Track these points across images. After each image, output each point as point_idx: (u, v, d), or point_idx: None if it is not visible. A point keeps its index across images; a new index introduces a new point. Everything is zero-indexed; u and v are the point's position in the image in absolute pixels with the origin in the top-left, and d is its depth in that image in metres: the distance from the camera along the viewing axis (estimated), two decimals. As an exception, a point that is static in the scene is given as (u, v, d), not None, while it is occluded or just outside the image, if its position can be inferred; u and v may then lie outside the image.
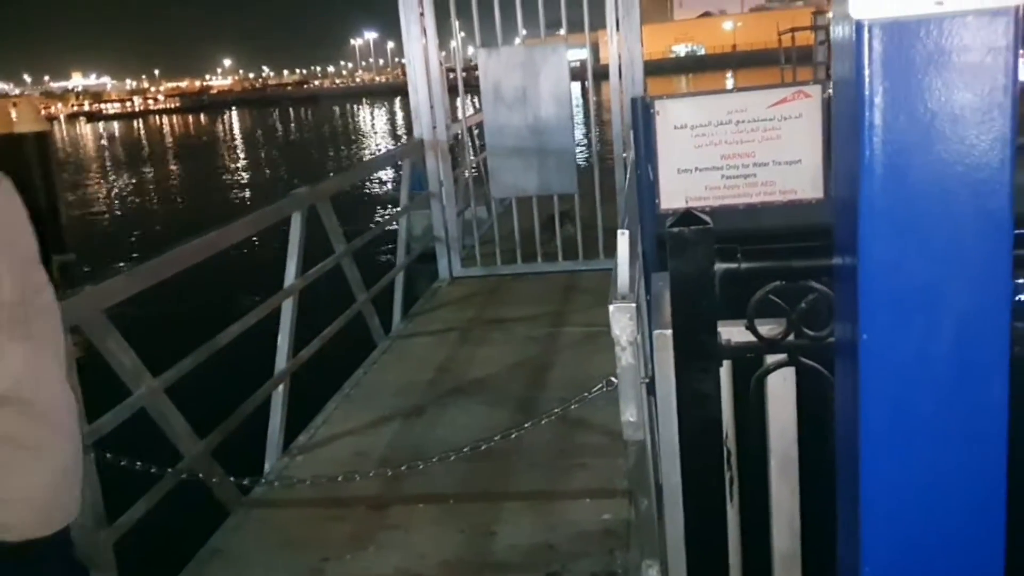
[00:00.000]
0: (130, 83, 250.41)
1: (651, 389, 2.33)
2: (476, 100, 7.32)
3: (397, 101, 71.75)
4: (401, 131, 41.23)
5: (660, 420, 2.23)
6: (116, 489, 3.08)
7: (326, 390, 4.93)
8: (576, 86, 7.26)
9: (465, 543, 3.26)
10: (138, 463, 2.83)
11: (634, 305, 2.16)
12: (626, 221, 2.56)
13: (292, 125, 59.37)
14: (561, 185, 6.61)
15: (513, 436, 2.94)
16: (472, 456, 3.79)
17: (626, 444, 2.31)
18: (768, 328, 1.78)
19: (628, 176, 3.97)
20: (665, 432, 2.21)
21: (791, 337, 1.75)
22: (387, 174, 21.14)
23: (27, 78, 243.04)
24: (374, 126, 51.10)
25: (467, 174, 7.58)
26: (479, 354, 5.37)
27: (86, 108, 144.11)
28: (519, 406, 4.44)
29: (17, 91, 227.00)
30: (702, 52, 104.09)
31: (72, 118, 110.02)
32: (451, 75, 7.34)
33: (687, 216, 1.72)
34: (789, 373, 1.86)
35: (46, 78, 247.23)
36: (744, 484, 2.04)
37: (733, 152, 2.19)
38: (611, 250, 2.54)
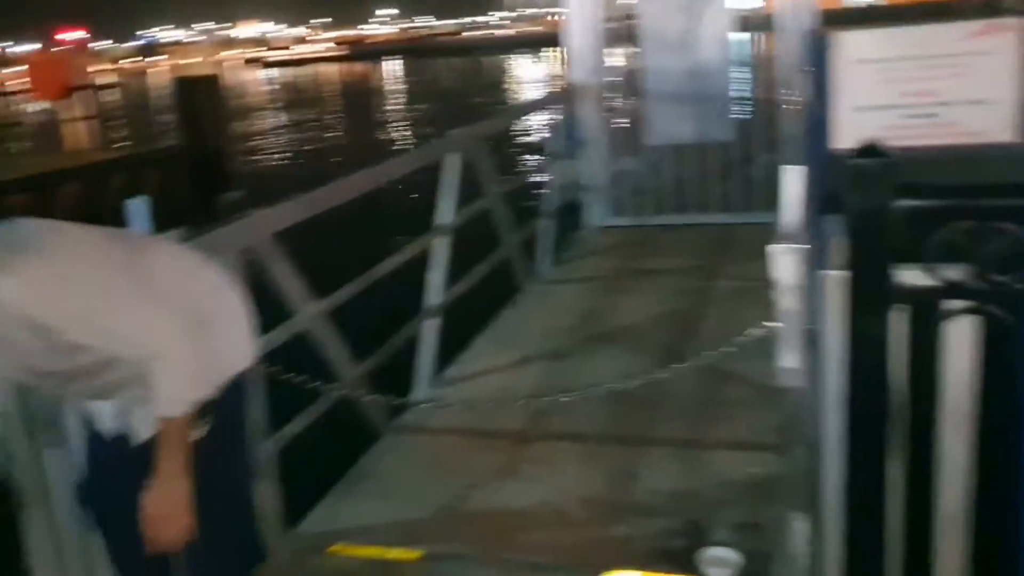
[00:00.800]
0: (295, 31, 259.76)
1: (811, 336, 2.24)
2: (631, 47, 7.18)
3: (550, 50, 71.41)
4: (555, 80, 41.07)
5: (823, 368, 2.14)
6: (278, 406, 3.26)
7: (472, 330, 5.03)
8: (741, 35, 6.98)
9: (607, 483, 3.28)
10: (300, 377, 2.96)
11: (799, 247, 2.07)
12: (794, 160, 2.45)
13: (447, 73, 60.21)
14: (718, 133, 6.42)
15: (666, 375, 2.91)
16: (616, 401, 3.81)
17: (781, 393, 2.24)
18: (949, 272, 1.67)
19: (795, 119, 3.81)
20: (827, 381, 2.12)
21: (975, 282, 1.64)
22: (540, 121, 21.16)
23: (195, 26, 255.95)
24: (527, 75, 51.11)
25: (621, 122, 7.47)
26: (625, 303, 5.33)
27: (252, 55, 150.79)
28: (665, 356, 4.38)
29: (187, 39, 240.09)
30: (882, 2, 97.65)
31: (240, 64, 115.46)
32: (607, 22, 7.21)
33: (869, 149, 1.62)
34: (971, 321, 1.74)
35: (215, 25, 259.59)
36: (912, 438, 1.94)
37: (915, 89, 2.04)
38: (771, 203, 2.45)
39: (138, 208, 2.59)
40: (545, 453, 3.55)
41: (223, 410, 2.04)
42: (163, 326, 1.88)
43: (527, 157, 16.88)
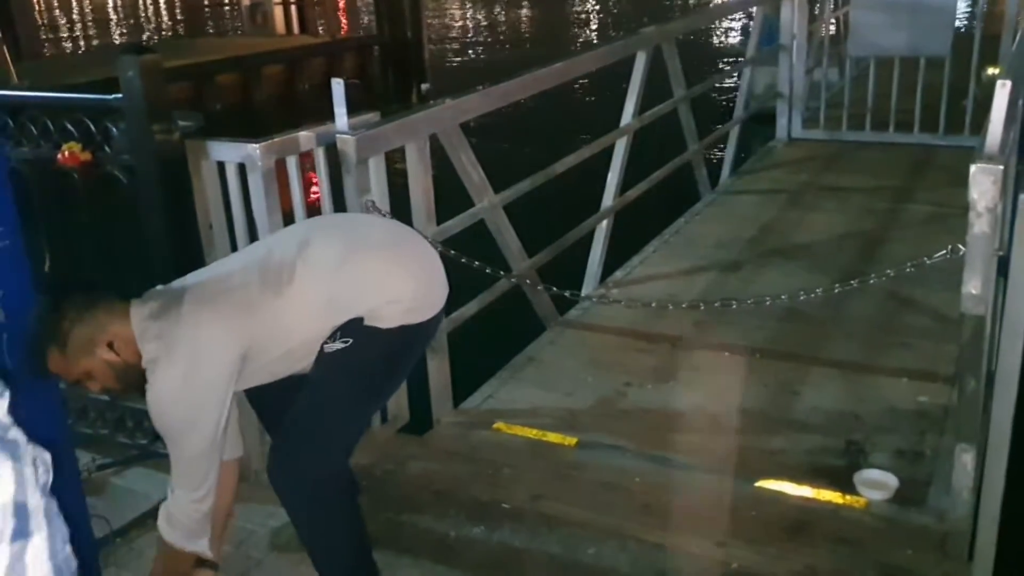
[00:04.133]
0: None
1: (1002, 265, 2.13)
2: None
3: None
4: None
5: (1009, 297, 2.04)
6: (452, 288, 3.42)
7: (646, 234, 5.03)
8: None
9: (766, 396, 3.27)
10: (476, 263, 3.10)
11: (1001, 167, 1.95)
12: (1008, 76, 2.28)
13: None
14: (932, 46, 5.94)
15: (836, 290, 2.84)
16: (786, 316, 3.75)
17: (963, 318, 2.15)
18: None
19: (1019, 35, 3.49)
20: (1012, 310, 2.03)
21: None
22: (737, 24, 20.22)
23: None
24: (727, -22, 48.43)
25: (824, 29, 7.05)
26: (808, 219, 5.15)
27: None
28: (844, 276, 4.22)
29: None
30: None
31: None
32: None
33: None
34: None
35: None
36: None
37: None
38: (978, 126, 2.29)
39: (338, 88, 2.74)
40: (705, 360, 3.57)
41: (380, 344, 2.09)
42: (208, 480, 2.05)
43: (718, 61, 16.23)
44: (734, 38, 19.45)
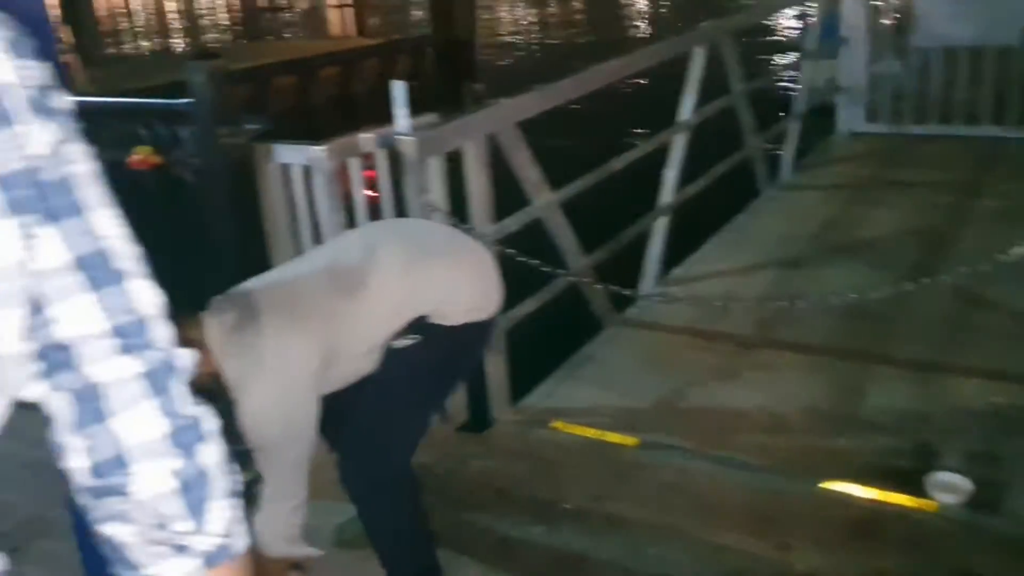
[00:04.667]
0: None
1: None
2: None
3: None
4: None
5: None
6: (509, 287, 3.42)
7: (705, 231, 4.98)
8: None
9: (831, 396, 3.21)
10: (534, 261, 3.10)
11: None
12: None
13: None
14: (1002, 35, 5.76)
15: (910, 288, 2.77)
16: (851, 314, 3.68)
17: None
18: None
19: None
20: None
21: None
22: (793, 17, 19.87)
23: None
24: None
25: (887, 20, 6.89)
26: (871, 215, 5.04)
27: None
28: (910, 273, 4.14)
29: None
30: None
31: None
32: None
33: None
34: None
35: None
36: None
37: None
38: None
39: (399, 90, 2.76)
40: (768, 360, 3.51)
41: (445, 341, 2.14)
42: (304, 487, 2.08)
43: (776, 56, 15.98)
44: (791, 32, 19.14)
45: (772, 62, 14.76)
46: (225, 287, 2.17)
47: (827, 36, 6.49)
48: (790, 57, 13.26)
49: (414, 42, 17.14)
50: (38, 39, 2.09)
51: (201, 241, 2.72)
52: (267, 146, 2.72)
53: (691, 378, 3.41)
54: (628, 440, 3.05)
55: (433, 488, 2.76)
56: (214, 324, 1.99)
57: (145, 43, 26.74)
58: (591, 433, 3.11)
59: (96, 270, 0.78)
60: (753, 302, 3.58)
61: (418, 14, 23.21)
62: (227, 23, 32.09)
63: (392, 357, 2.12)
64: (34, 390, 0.78)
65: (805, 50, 6.23)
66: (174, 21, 33.33)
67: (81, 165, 0.78)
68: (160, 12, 35.53)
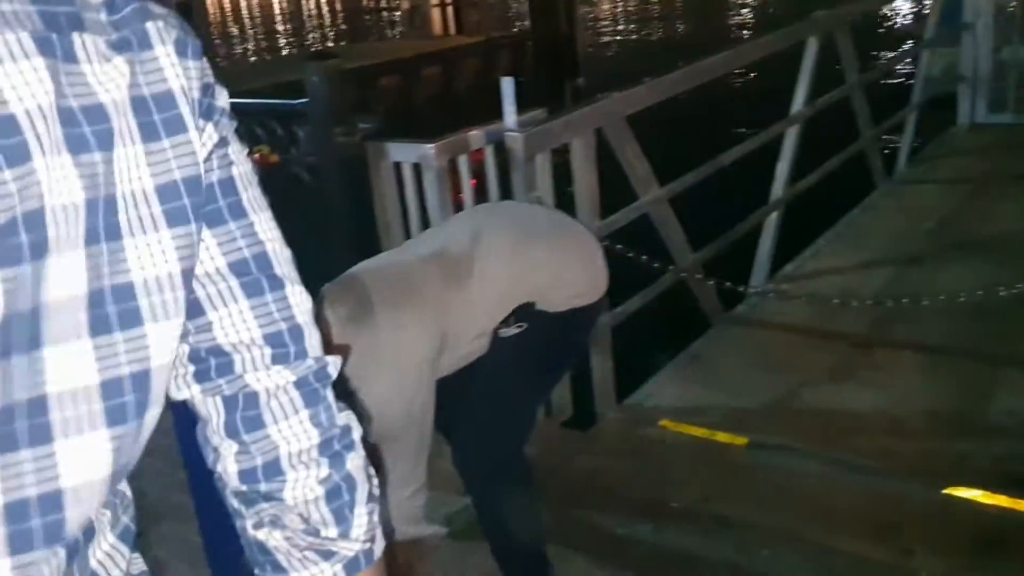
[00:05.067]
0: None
1: None
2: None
3: (927, -74, 63.13)
4: (928, -39, 36.45)
5: None
6: (616, 283, 3.39)
7: (817, 226, 4.83)
8: None
9: (954, 398, 3.07)
10: (642, 256, 3.07)
11: None
12: None
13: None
14: None
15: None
16: (975, 313, 3.50)
17: None
18: None
19: None
20: None
21: None
22: (907, 6, 19.13)
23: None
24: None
25: (1013, 5, 6.54)
26: (995, 210, 4.80)
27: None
28: (1039, 270, 3.94)
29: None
30: None
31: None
32: None
33: None
34: None
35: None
36: None
37: None
38: None
39: (507, 87, 2.78)
40: (886, 360, 3.39)
41: (551, 328, 2.14)
42: (424, 471, 2.10)
43: (891, 45, 15.39)
44: (904, 20, 18.41)
45: (886, 52, 14.23)
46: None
47: (947, 22, 6.21)
48: (906, 46, 12.76)
49: (515, 39, 17.22)
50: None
51: (317, 238, 2.79)
52: (379, 144, 2.78)
53: (803, 378, 3.32)
54: (737, 440, 2.98)
55: (539, 483, 2.77)
56: (330, 316, 2.02)
57: (254, 47, 27.65)
58: (699, 433, 3.06)
59: (257, 275, 0.77)
60: (870, 300, 3.45)
61: (518, 9, 23.27)
62: (330, 25, 32.87)
63: (500, 345, 2.13)
64: (186, 392, 0.79)
65: (924, 38, 5.97)
66: (282, 25, 34.34)
67: (241, 166, 0.77)
68: (269, 17, 36.67)
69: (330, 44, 25.69)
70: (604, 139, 3.16)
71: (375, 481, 0.87)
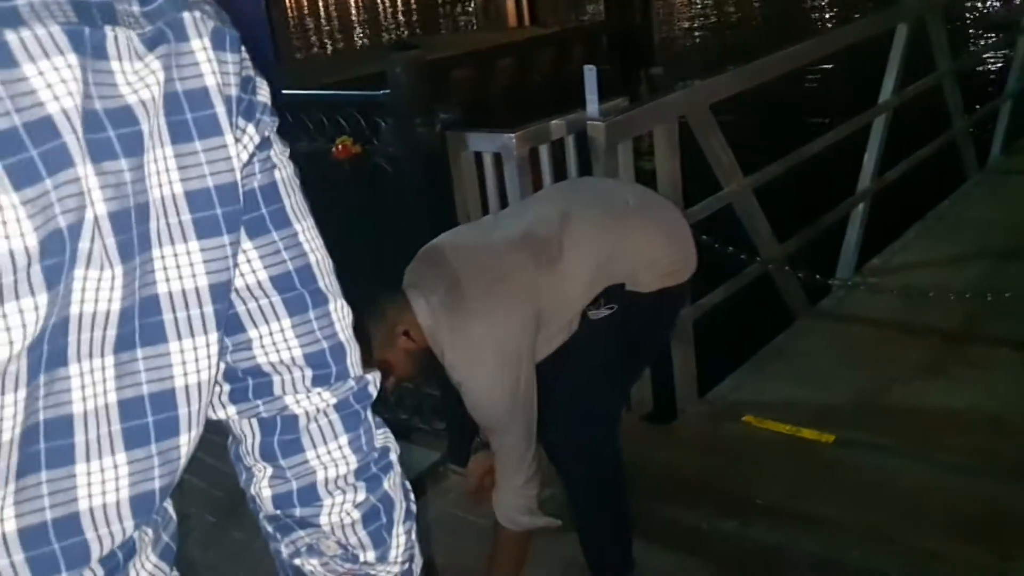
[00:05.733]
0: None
1: None
2: None
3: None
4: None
5: None
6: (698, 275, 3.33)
7: (906, 217, 4.68)
8: None
9: (1056, 397, 2.94)
10: (728, 248, 3.00)
11: None
12: None
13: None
14: None
15: None
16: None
17: None
18: None
19: None
20: None
21: None
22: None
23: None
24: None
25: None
26: (1097, 201, 4.58)
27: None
28: None
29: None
30: None
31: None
32: None
33: None
34: None
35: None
36: None
37: None
38: None
39: (590, 75, 2.74)
40: (981, 356, 3.25)
41: (640, 309, 2.10)
42: (534, 459, 2.05)
43: (983, 32, 14.82)
44: (996, 4, 17.69)
45: (972, 39, 13.71)
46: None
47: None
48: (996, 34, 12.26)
49: (589, 29, 17.11)
50: (253, 36, 2.17)
51: (397, 228, 2.80)
52: (459, 134, 2.77)
53: (893, 373, 3.21)
54: (824, 436, 2.90)
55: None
56: (421, 304, 2.00)
57: (330, 41, 28.07)
58: (784, 428, 2.98)
59: (301, 291, 0.72)
60: (963, 294, 3.31)
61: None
62: (404, 18, 33.16)
63: (590, 327, 2.09)
64: (221, 412, 0.75)
65: (1020, 24, 5.71)
66: (357, 18, 34.77)
67: (284, 170, 0.72)
68: (345, 10, 37.16)
69: (406, 37, 25.90)
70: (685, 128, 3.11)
71: (411, 497, 0.83)
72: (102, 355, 0.59)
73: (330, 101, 3.07)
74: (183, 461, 0.65)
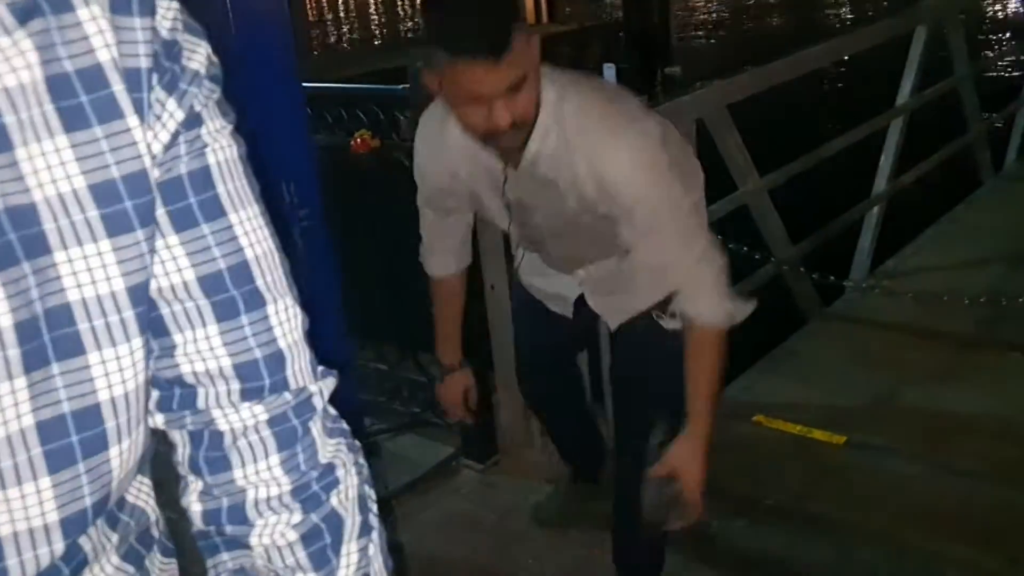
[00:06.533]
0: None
1: None
2: None
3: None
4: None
5: None
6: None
7: (920, 222, 4.67)
8: None
9: (1069, 404, 2.93)
10: (744, 248, 3.01)
11: None
12: None
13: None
14: None
15: None
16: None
17: None
18: None
19: None
20: None
21: None
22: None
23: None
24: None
25: None
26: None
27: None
28: None
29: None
30: None
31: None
32: None
33: None
34: None
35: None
36: None
37: None
38: None
39: (609, 73, 2.76)
40: (994, 361, 3.25)
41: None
42: (705, 235, 1.75)
43: (998, 35, 14.74)
44: (1015, 7, 17.59)
45: (985, 43, 13.64)
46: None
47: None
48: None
49: (607, 28, 17.08)
50: (274, 30, 2.16)
51: (416, 223, 2.81)
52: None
53: (904, 377, 3.21)
54: (835, 438, 2.91)
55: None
56: (548, 85, 1.66)
57: (348, 35, 28.08)
58: (795, 429, 2.99)
59: (232, 293, 0.63)
60: (976, 299, 3.31)
61: None
62: (423, 14, 33.04)
63: (668, 344, 1.86)
64: (151, 419, 0.66)
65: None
66: (375, 13, 34.78)
67: (221, 152, 0.62)
68: (363, 4, 37.17)
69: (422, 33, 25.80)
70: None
71: (372, 508, 0.74)
72: (10, 378, 0.52)
73: (350, 95, 3.09)
74: (118, 472, 0.58)
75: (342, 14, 34.59)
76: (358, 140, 2.81)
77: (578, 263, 2.00)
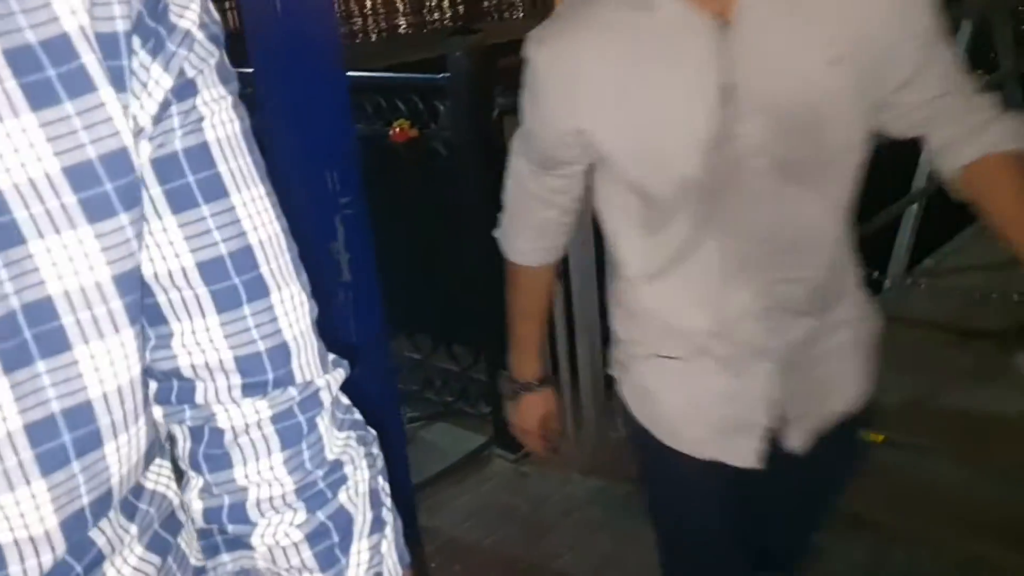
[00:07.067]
0: None
1: None
2: None
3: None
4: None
5: None
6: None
7: (961, 220, 4.59)
8: None
9: (1113, 407, 2.88)
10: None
11: None
12: None
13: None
14: None
15: None
16: None
17: None
18: None
19: None
20: None
21: None
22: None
23: None
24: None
25: None
26: None
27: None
28: None
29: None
30: None
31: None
32: None
33: None
34: None
35: None
36: None
37: None
38: None
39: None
40: (1035, 362, 3.20)
41: None
42: None
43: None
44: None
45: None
46: (469, 251, 2.16)
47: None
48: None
49: (637, 21, 16.97)
50: (318, 16, 2.17)
51: (454, 211, 2.82)
52: (517, 119, 2.77)
53: (942, 377, 3.17)
54: (875, 436, 2.87)
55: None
56: None
57: (374, 28, 28.13)
58: (832, 426, 2.96)
59: (234, 281, 0.58)
60: (1017, 298, 3.26)
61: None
62: (448, 5, 33.14)
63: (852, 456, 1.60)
64: (151, 411, 0.63)
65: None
66: (402, 6, 34.79)
67: (223, 126, 0.57)
68: (390, -2, 37.17)
69: (449, 25, 25.87)
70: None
71: (386, 503, 0.70)
72: None
73: (389, 84, 3.10)
74: (117, 468, 0.55)
75: (368, 7, 34.67)
76: (397, 130, 2.81)
77: (793, 246, 1.28)
